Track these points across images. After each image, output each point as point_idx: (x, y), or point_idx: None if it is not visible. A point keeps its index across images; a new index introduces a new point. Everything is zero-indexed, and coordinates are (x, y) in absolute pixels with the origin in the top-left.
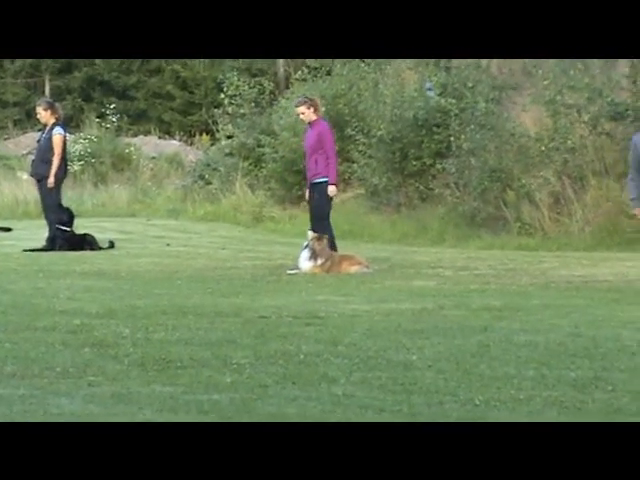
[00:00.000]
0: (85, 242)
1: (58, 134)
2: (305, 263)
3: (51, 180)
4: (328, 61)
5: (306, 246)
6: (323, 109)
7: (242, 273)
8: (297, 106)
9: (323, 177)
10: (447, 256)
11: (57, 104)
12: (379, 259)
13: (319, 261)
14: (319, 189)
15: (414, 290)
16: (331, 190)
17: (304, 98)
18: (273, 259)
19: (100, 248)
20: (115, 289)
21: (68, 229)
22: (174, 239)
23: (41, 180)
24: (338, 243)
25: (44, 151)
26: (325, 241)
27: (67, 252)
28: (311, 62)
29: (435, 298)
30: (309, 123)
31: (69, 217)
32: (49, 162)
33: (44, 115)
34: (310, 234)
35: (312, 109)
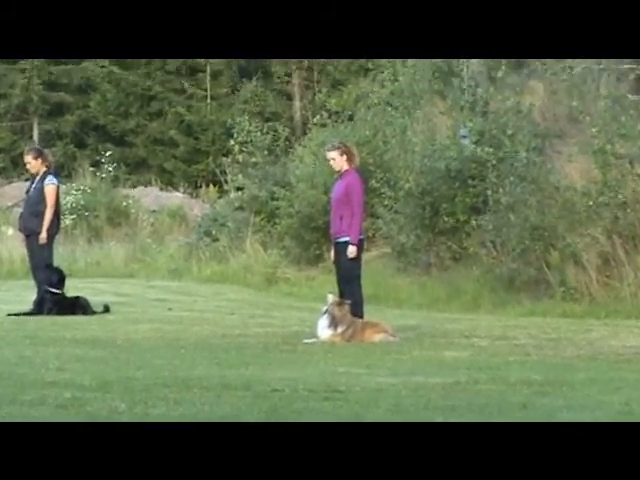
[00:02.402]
0: (77, 306)
1: (51, 184)
2: (324, 331)
3: (43, 236)
4: (350, 104)
5: (325, 312)
6: (357, 158)
7: (253, 342)
8: (329, 150)
9: (347, 236)
10: (483, 324)
11: (47, 151)
12: (406, 327)
13: (339, 329)
14: (342, 249)
15: (445, 362)
16: (350, 251)
17: (339, 143)
18: (288, 326)
19: (94, 312)
20: (110, 359)
21: (58, 291)
22: (177, 303)
23: (30, 235)
24: None
25: (34, 203)
26: (347, 307)
27: (57, 317)
28: (331, 105)
29: (469, 371)
30: (339, 173)
31: (59, 278)
32: (40, 215)
33: (34, 164)
34: (330, 298)
35: (345, 157)
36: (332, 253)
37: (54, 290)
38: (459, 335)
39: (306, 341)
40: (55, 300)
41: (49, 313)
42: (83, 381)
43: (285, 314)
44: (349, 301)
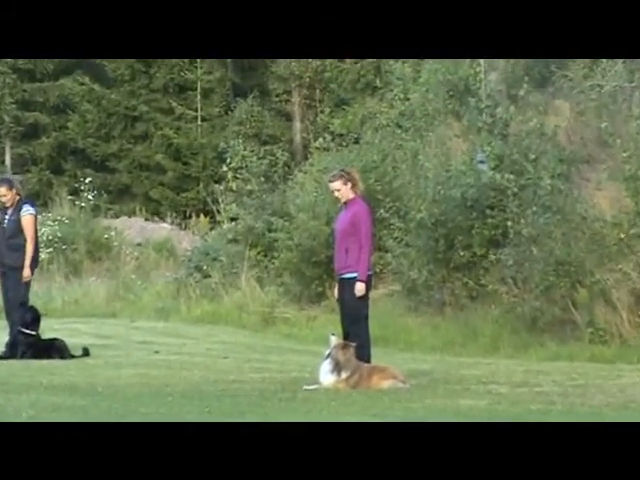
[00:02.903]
0: (54, 349)
1: (28, 214)
2: (326, 377)
3: (27, 273)
4: (356, 126)
5: (328, 355)
6: (361, 185)
7: (248, 388)
8: (331, 181)
9: (355, 272)
10: (502, 369)
11: (14, 179)
12: (418, 372)
13: (343, 374)
14: (348, 286)
15: (461, 411)
16: (359, 289)
17: (340, 172)
18: (286, 371)
19: (72, 356)
20: (90, 407)
21: (32, 332)
22: (164, 345)
23: (7, 272)
24: None
25: (11, 236)
26: (352, 350)
27: (31, 361)
28: (335, 127)
29: (487, 422)
30: (344, 202)
31: (33, 317)
32: (19, 249)
33: (10, 197)
34: (333, 340)
35: (350, 185)
36: (336, 290)
37: (28, 331)
38: (476, 381)
39: (307, 388)
40: (29, 342)
41: (22, 357)
42: None
43: (284, 358)
44: (354, 343)
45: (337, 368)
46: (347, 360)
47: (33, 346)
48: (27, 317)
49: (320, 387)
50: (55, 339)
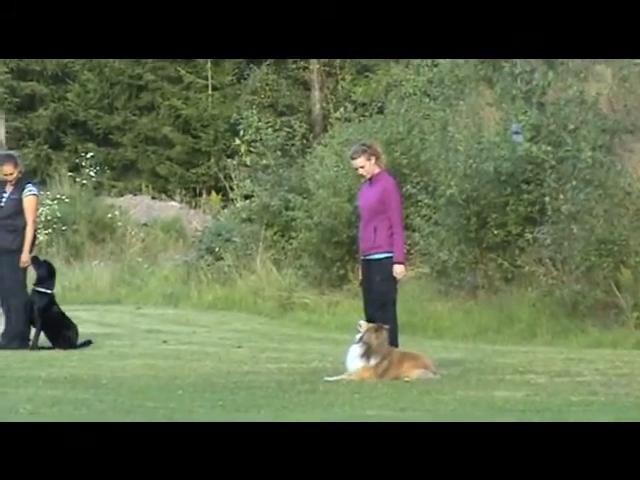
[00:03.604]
0: (64, 333)
1: (31, 195)
2: (354, 361)
3: (25, 257)
4: (380, 95)
5: (360, 339)
6: (384, 158)
7: (264, 380)
8: (354, 158)
9: (385, 252)
10: (540, 357)
11: (18, 155)
12: (449, 361)
13: (372, 361)
14: (379, 268)
15: (496, 403)
16: (398, 271)
17: (362, 146)
18: (306, 361)
19: (75, 347)
20: (93, 401)
21: (48, 290)
22: (173, 334)
23: (2, 255)
24: None
25: (10, 216)
26: (385, 334)
27: (27, 352)
28: (357, 96)
29: (524, 414)
30: (369, 178)
31: (48, 273)
32: (16, 231)
33: (15, 174)
34: (363, 324)
35: (373, 159)
36: (359, 273)
37: (42, 289)
38: (512, 371)
39: (329, 379)
40: (45, 305)
41: (41, 318)
42: None
43: (303, 347)
44: (387, 326)
45: (368, 353)
46: (379, 344)
47: (48, 309)
48: (41, 272)
49: (343, 378)
50: (71, 322)
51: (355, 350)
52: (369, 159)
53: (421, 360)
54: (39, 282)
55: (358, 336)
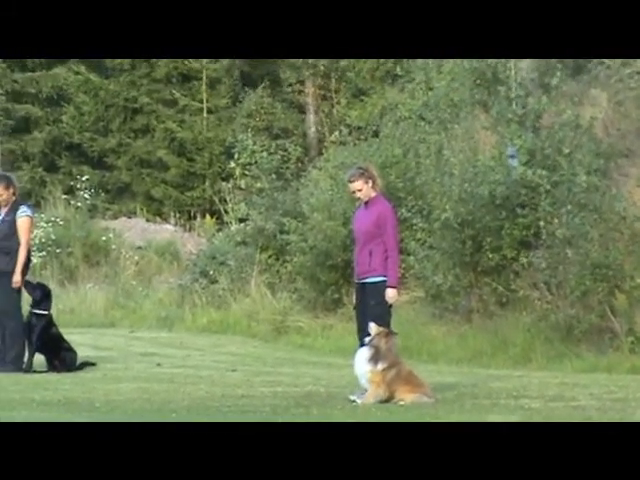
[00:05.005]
0: (63, 355)
1: (25, 216)
2: (362, 365)
3: (18, 278)
4: (375, 118)
5: (369, 342)
6: (380, 181)
7: (258, 404)
8: (352, 181)
9: (380, 275)
10: (534, 381)
11: (13, 177)
12: (443, 385)
13: (380, 365)
14: (374, 292)
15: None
16: (391, 296)
17: (359, 169)
18: (300, 385)
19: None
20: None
21: (44, 312)
22: (167, 357)
23: None
24: None
25: (3, 238)
26: (394, 340)
27: (21, 375)
28: (352, 119)
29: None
30: (365, 202)
31: (43, 295)
32: (11, 253)
33: (6, 196)
34: (373, 327)
35: (370, 182)
36: (354, 296)
37: (39, 311)
38: (506, 395)
39: (353, 398)
40: (44, 325)
41: (37, 342)
42: None
43: (297, 370)
44: (397, 333)
45: (376, 357)
46: (388, 349)
47: (47, 330)
48: (36, 295)
49: (360, 374)
50: (70, 347)
51: (363, 353)
52: (367, 182)
53: (423, 389)
54: (35, 304)
55: (367, 339)
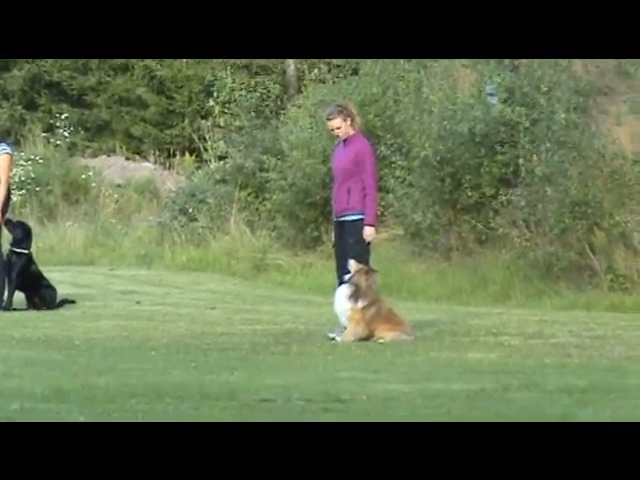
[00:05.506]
0: (43, 295)
1: (5, 154)
2: (342, 303)
3: None
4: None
5: (348, 279)
6: (359, 119)
7: (238, 341)
8: (330, 118)
9: (358, 213)
10: (514, 319)
11: None
12: (422, 323)
13: (360, 303)
14: (352, 229)
15: (469, 365)
16: (368, 233)
17: (337, 107)
18: (280, 323)
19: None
20: (67, 362)
21: (25, 251)
22: (146, 295)
23: None
24: None
25: None
26: (374, 278)
27: (1, 312)
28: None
29: (497, 376)
30: (344, 139)
31: (24, 234)
32: None
33: None
34: (353, 264)
35: (349, 120)
36: (333, 234)
37: (19, 250)
38: (485, 333)
39: (332, 336)
40: (23, 264)
41: (13, 285)
42: (34, 389)
43: (276, 308)
44: (377, 270)
45: (356, 294)
46: (368, 287)
47: (27, 269)
48: (17, 233)
49: (340, 312)
50: (50, 285)
51: (343, 291)
52: (345, 120)
53: (403, 327)
54: (16, 243)
55: (347, 277)
